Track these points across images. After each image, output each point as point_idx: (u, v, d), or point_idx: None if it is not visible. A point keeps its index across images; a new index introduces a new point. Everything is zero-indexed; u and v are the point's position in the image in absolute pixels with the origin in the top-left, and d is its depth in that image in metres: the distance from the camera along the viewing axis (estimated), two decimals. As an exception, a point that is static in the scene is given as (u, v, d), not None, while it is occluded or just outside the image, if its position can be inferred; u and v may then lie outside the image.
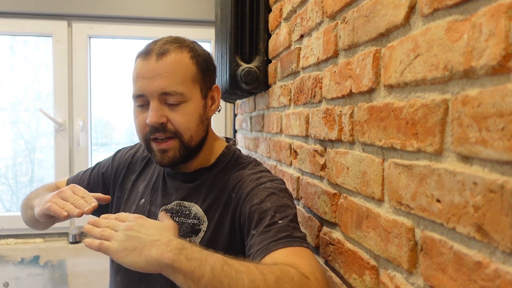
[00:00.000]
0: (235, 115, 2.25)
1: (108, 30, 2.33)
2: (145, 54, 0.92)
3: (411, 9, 0.60)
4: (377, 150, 0.71)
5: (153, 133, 0.91)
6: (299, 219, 1.12)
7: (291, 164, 1.21)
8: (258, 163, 1.01)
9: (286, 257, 0.74)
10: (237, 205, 0.89)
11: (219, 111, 1.02)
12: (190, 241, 0.89)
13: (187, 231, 0.93)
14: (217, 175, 0.97)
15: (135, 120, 0.95)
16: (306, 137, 1.08)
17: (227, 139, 1.08)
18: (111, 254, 0.70)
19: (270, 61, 1.48)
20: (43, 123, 2.37)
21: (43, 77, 2.37)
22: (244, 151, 1.98)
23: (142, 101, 0.92)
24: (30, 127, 2.45)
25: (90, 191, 1.06)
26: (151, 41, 0.95)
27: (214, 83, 1.01)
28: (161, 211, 0.97)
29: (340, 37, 0.86)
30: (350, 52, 0.82)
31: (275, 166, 1.38)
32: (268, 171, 0.97)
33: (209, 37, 2.33)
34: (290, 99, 1.22)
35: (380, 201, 0.69)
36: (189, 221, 0.93)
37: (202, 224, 0.92)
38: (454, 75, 0.50)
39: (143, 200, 1.03)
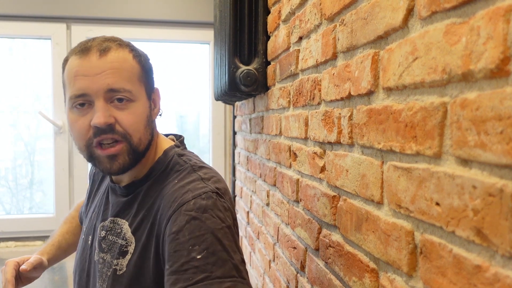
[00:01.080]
0: (234, 117, 2.25)
1: (107, 32, 2.31)
2: (83, 51, 0.84)
3: (409, 11, 0.60)
4: (376, 152, 0.71)
5: (99, 135, 0.81)
6: (299, 221, 1.12)
7: (290, 166, 1.21)
8: (195, 168, 0.88)
9: None
10: (160, 229, 0.81)
11: (160, 115, 0.95)
12: (117, 263, 0.86)
13: (116, 252, 0.87)
14: (149, 188, 0.89)
15: (73, 125, 0.85)
16: (306, 139, 1.07)
17: (178, 137, 1.00)
18: None
19: (269, 63, 1.48)
20: (43, 125, 2.37)
21: (42, 79, 2.37)
22: (243, 153, 1.98)
23: (82, 101, 0.83)
24: (30, 129, 2.45)
25: None
26: (82, 41, 0.88)
27: (154, 85, 0.94)
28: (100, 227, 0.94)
29: (338, 40, 0.86)
30: (348, 54, 0.82)
31: (275, 168, 1.38)
32: (202, 179, 0.84)
33: (208, 39, 2.33)
34: (289, 101, 1.22)
35: (379, 204, 0.69)
36: (119, 241, 0.87)
37: (130, 245, 0.85)
38: (452, 78, 0.50)
39: (94, 212, 1.00)
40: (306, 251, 1.07)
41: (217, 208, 0.78)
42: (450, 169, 0.51)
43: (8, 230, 2.22)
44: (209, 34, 2.30)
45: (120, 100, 0.83)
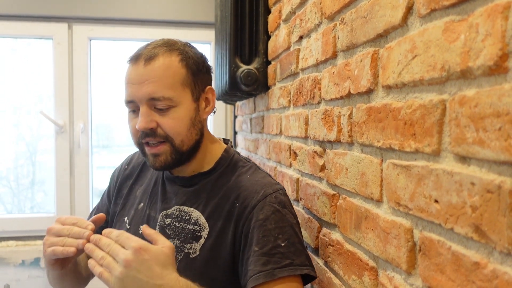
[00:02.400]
0: (235, 117, 2.25)
1: (108, 32, 2.33)
2: (135, 59, 0.91)
3: (409, 9, 0.60)
4: (376, 150, 0.71)
5: (144, 137, 0.91)
6: (299, 220, 1.12)
7: (290, 165, 1.21)
8: (258, 167, 1.00)
9: None
10: (242, 215, 0.89)
11: (214, 112, 1.01)
12: (191, 248, 0.90)
13: (187, 237, 0.92)
14: (216, 180, 0.97)
15: (129, 124, 0.95)
16: (306, 138, 1.08)
17: (225, 140, 1.07)
18: None
19: (269, 63, 1.48)
20: (45, 125, 2.37)
21: (44, 79, 2.38)
22: (244, 153, 1.98)
23: (133, 106, 0.92)
24: (32, 130, 2.46)
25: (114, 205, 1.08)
26: (142, 44, 0.95)
27: (209, 85, 0.99)
28: (161, 216, 0.97)
29: (338, 38, 0.86)
30: (348, 53, 0.82)
31: (275, 168, 1.38)
32: (270, 176, 0.97)
33: (209, 39, 2.33)
34: (289, 101, 1.22)
35: (378, 202, 0.69)
36: (190, 227, 0.93)
37: (203, 230, 0.92)
38: (451, 75, 0.50)
39: (142, 204, 1.03)
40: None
41: (290, 204, 0.93)
42: (448, 166, 0.51)
43: (9, 229, 2.23)
44: (211, 34, 2.30)
45: (162, 105, 0.89)
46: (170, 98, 0.89)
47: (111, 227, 1.07)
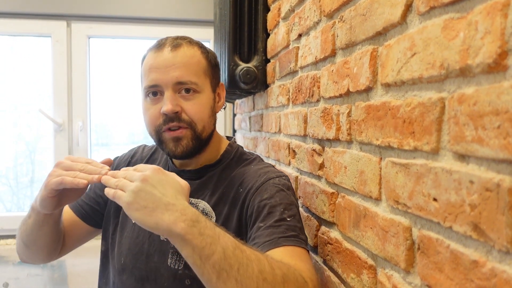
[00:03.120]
0: (234, 115, 2.25)
1: (107, 30, 2.32)
2: (158, 47, 0.94)
3: (408, 7, 0.60)
4: (375, 149, 0.70)
5: (167, 123, 0.91)
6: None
7: (289, 164, 1.21)
8: (261, 159, 1.03)
9: (290, 256, 0.76)
10: (245, 198, 0.90)
11: (224, 108, 1.04)
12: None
13: None
14: (222, 171, 0.99)
15: (146, 112, 0.94)
16: (305, 136, 1.07)
17: (228, 138, 1.09)
18: (122, 204, 0.68)
19: (268, 61, 1.48)
20: (44, 124, 2.37)
21: (44, 77, 2.37)
22: (243, 151, 1.98)
23: (155, 91, 0.92)
24: (31, 128, 2.45)
25: (99, 201, 1.07)
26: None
27: (220, 81, 1.03)
28: None
29: (337, 36, 0.86)
30: (347, 51, 0.82)
31: (274, 166, 1.38)
32: (273, 166, 0.99)
33: (208, 36, 2.33)
34: (288, 99, 1.22)
35: (377, 200, 0.69)
36: None
37: (211, 218, 0.92)
38: (450, 73, 0.50)
39: None
40: (305, 248, 1.07)
41: (293, 190, 0.93)
42: (447, 165, 0.50)
43: (8, 227, 2.22)
44: (210, 32, 2.29)
45: (187, 90, 0.92)
46: (196, 83, 0.92)
47: (107, 220, 1.06)
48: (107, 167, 0.80)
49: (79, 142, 2.28)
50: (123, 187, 0.69)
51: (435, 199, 0.53)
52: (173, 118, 0.90)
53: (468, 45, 0.47)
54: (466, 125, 0.47)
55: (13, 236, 2.24)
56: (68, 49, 2.28)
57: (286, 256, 0.75)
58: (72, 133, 2.29)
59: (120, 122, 2.55)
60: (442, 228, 0.52)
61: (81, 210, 1.08)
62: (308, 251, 0.83)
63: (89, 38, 2.32)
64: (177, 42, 0.94)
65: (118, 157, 1.16)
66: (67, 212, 1.08)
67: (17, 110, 2.42)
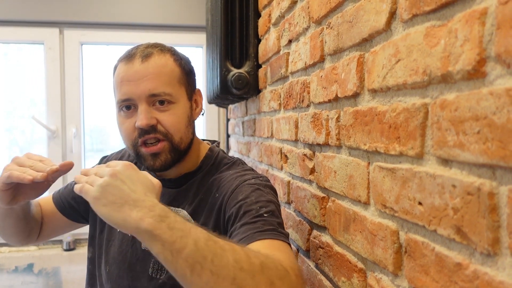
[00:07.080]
0: (228, 120, 2.26)
1: (99, 37, 2.33)
2: (128, 58, 0.91)
3: (392, 14, 0.61)
4: (363, 154, 0.71)
5: (143, 135, 0.88)
6: (290, 223, 1.13)
7: (282, 168, 1.22)
8: (242, 162, 1.00)
9: (268, 248, 0.72)
10: (222, 203, 0.88)
11: (202, 114, 1.02)
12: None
13: None
14: (202, 178, 0.97)
15: (121, 126, 0.93)
16: (296, 141, 1.08)
17: (212, 142, 1.07)
18: (89, 199, 0.65)
19: (260, 66, 1.49)
20: (38, 130, 2.37)
21: (37, 84, 2.37)
22: (237, 156, 1.98)
23: (128, 105, 0.90)
24: (25, 134, 2.45)
25: (78, 201, 1.06)
26: (129, 48, 0.95)
27: (196, 87, 1.01)
28: None
29: (326, 42, 0.87)
30: (335, 57, 0.83)
31: (267, 171, 1.39)
32: (253, 170, 0.97)
33: (201, 42, 2.34)
34: (280, 104, 1.23)
35: (366, 204, 0.70)
36: None
37: None
38: (432, 79, 0.51)
39: None
40: (298, 252, 1.08)
41: (272, 189, 0.90)
42: (431, 169, 0.51)
43: (2, 235, 2.22)
44: (202, 37, 2.30)
45: (161, 102, 0.89)
46: (169, 93, 0.89)
47: (92, 225, 1.06)
48: (56, 166, 0.80)
49: (73, 148, 2.28)
50: (92, 182, 0.67)
51: (420, 203, 0.53)
52: (149, 131, 0.88)
53: (448, 52, 0.48)
54: (448, 130, 0.48)
55: (6, 244, 2.23)
56: (61, 56, 2.28)
57: (263, 249, 0.71)
58: (65, 140, 2.29)
59: (115, 127, 2.55)
60: (427, 232, 0.53)
61: (60, 203, 1.10)
62: (289, 244, 0.78)
63: (81, 44, 2.33)
64: (147, 52, 0.90)
65: (106, 156, 1.16)
66: (49, 203, 1.11)
67: (11, 115, 2.41)
